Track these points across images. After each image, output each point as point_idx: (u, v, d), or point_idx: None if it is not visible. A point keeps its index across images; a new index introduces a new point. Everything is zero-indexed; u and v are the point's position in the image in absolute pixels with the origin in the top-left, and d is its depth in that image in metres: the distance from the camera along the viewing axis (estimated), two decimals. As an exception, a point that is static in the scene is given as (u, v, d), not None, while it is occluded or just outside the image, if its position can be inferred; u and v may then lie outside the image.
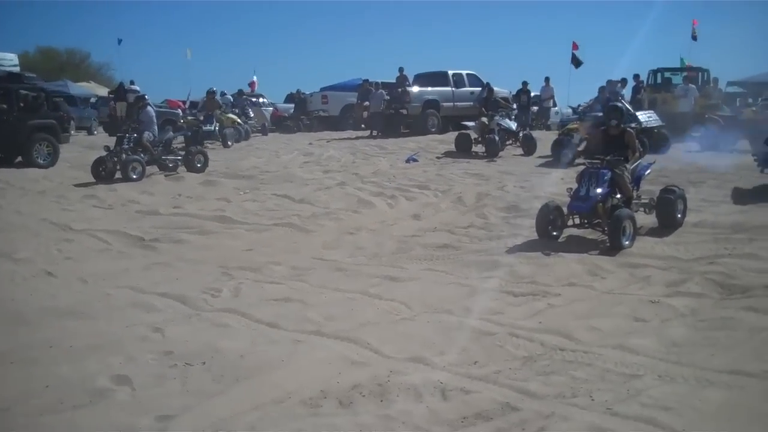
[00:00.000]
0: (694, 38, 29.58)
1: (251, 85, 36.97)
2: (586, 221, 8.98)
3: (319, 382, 4.76)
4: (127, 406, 4.46)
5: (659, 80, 24.32)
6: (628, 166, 9.00)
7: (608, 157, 8.85)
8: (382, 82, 26.27)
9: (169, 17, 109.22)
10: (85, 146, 21.81)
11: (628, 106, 17.91)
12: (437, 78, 25.78)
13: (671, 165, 14.09)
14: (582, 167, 9.35)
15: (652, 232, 9.22)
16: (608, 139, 9.19)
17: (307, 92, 30.90)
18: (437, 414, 4.30)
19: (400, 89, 24.64)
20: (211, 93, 24.49)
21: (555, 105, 29.31)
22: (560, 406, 4.38)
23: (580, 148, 9.53)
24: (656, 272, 7.49)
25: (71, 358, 5.26)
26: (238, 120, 24.94)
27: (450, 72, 25.88)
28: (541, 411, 4.30)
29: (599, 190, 8.66)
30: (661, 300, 6.55)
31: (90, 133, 29.92)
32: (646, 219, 9.57)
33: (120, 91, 28.98)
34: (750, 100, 21.51)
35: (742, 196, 11.43)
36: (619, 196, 8.91)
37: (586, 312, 6.31)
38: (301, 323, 6.08)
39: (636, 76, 24.84)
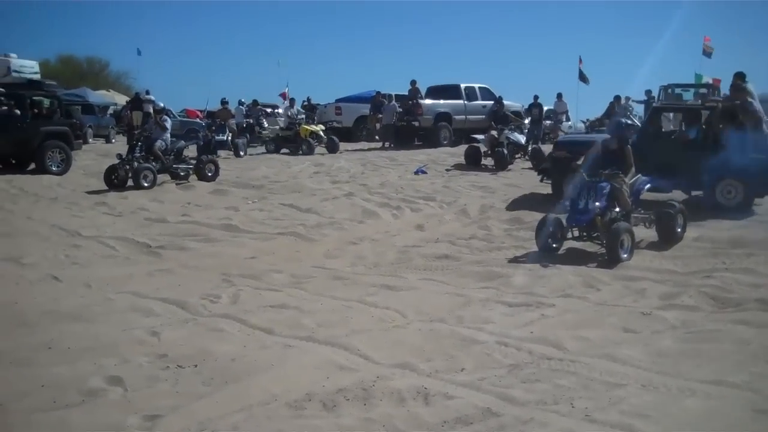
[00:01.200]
0: (708, 55, 29.55)
1: (283, 95, 37.29)
2: (584, 234, 9.08)
3: (305, 385, 4.86)
4: (118, 405, 4.57)
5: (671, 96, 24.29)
6: (626, 179, 9.08)
7: (606, 171, 8.94)
8: (395, 95, 26.45)
9: (188, 26, 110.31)
10: (101, 154, 22.11)
11: (636, 121, 18.02)
12: (449, 91, 25.90)
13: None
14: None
15: (652, 246, 9.29)
16: (607, 153, 9.29)
17: (322, 103, 31.13)
18: (418, 418, 4.39)
19: (412, 101, 24.79)
20: (224, 103, 24.74)
21: (569, 119, 29.39)
22: (540, 412, 4.46)
23: (579, 161, 9.62)
24: (651, 285, 7.56)
25: (67, 360, 5.38)
26: (319, 131, 24.05)
27: (462, 85, 26.00)
28: (521, 416, 4.38)
29: (598, 204, 8.74)
30: (653, 312, 6.62)
31: (108, 141, 30.17)
32: (646, 233, 9.63)
33: (136, 101, 29.33)
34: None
35: (744, 211, 11.45)
36: (618, 209, 8.99)
37: (577, 322, 6.39)
38: (295, 329, 6.18)
39: (648, 92, 24.93)
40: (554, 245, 9.14)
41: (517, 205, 12.90)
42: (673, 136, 13.37)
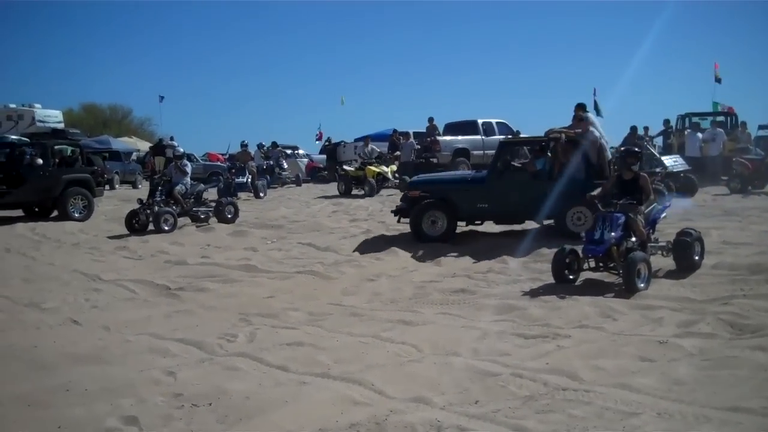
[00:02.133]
0: (718, 81, 29.57)
1: (319, 136, 38.05)
2: (601, 264, 9.05)
3: (319, 421, 4.88)
4: (133, 445, 4.62)
5: (688, 124, 24.33)
6: (642, 208, 9.07)
7: (621, 201, 8.95)
8: (413, 132, 26.62)
9: (209, 72, 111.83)
10: (122, 199, 22.37)
11: (653, 150, 18.02)
12: (467, 127, 26.04)
13: (696, 209, 14.07)
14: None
15: (670, 275, 9.25)
16: (623, 183, 9.31)
17: (340, 140, 31.36)
18: (430, 451, 4.39)
19: (430, 138, 24.92)
20: (243, 146, 25.04)
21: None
22: (553, 442, 4.45)
23: (595, 192, 9.63)
24: (669, 313, 7.53)
25: (85, 401, 5.43)
26: (387, 172, 23.25)
27: (480, 121, 26.14)
28: (534, 447, 4.37)
29: (613, 234, 8.74)
30: (669, 340, 6.58)
31: (134, 187, 30.51)
32: (664, 262, 9.59)
33: (158, 147, 29.77)
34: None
35: (764, 238, 11.37)
36: (634, 239, 8.96)
37: (593, 353, 6.36)
38: (310, 366, 6.21)
39: (666, 122, 24.94)
40: (571, 276, 9.12)
41: (534, 238, 12.85)
42: (520, 167, 13.44)
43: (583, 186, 11.79)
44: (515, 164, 13.56)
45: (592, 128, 13.02)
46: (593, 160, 12.71)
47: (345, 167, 23.79)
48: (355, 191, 22.75)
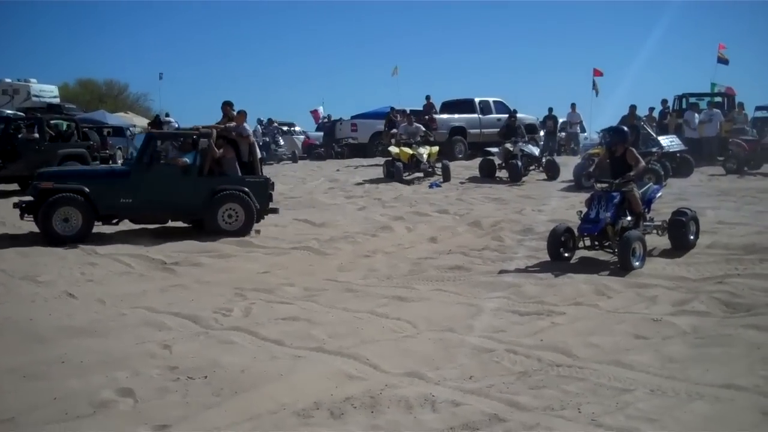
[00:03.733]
0: (725, 62, 29.42)
1: (314, 113, 37.48)
2: (596, 243, 9.09)
3: (313, 394, 4.89)
4: (128, 416, 4.63)
5: (685, 105, 24.30)
6: (632, 174, 9.06)
7: (617, 181, 8.95)
8: (410, 110, 26.54)
9: (205, 46, 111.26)
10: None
11: (650, 130, 18.02)
12: (464, 105, 26.06)
13: (692, 189, 14.11)
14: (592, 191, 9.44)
15: (665, 254, 9.29)
16: (614, 160, 9.32)
17: (335, 117, 31.28)
18: (424, 424, 4.42)
19: (426, 116, 24.88)
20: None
21: (584, 131, 29.32)
22: (546, 417, 4.47)
23: (590, 170, 9.63)
24: (663, 292, 7.56)
25: (80, 373, 5.44)
26: (423, 154, 19.91)
27: (477, 99, 26.14)
28: (527, 422, 4.39)
29: (608, 213, 8.76)
30: (663, 318, 6.62)
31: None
32: (659, 241, 9.62)
33: (156, 123, 29.67)
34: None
35: (759, 218, 11.41)
36: (629, 218, 8.98)
37: (587, 330, 6.40)
38: (305, 340, 6.23)
39: (663, 102, 24.91)
40: (566, 255, 9.15)
41: (530, 216, 12.89)
42: (168, 162, 12.45)
43: (235, 183, 11.86)
44: (164, 158, 12.60)
45: (245, 124, 12.86)
46: (245, 157, 12.50)
47: (390, 148, 20.75)
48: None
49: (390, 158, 20.23)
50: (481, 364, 5.57)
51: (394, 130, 25.03)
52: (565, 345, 5.91)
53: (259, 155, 13.05)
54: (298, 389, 5.02)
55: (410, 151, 19.73)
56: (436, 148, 20.56)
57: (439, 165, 20.01)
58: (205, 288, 8.51)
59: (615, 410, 4.54)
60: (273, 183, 12.74)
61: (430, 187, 17.76)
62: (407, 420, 4.48)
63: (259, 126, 28.85)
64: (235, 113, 12.91)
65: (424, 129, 20.99)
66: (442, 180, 19.23)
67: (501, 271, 8.88)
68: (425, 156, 19.79)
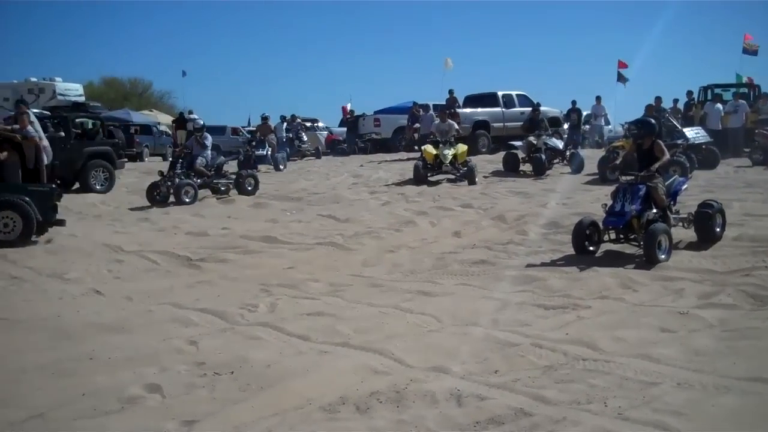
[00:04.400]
0: (754, 53, 29.05)
1: (343, 109, 37.46)
2: (621, 236, 9.02)
3: (339, 389, 4.91)
4: (156, 412, 4.68)
5: (710, 96, 24.05)
6: (660, 181, 8.97)
7: (642, 173, 8.88)
8: (432, 104, 26.51)
9: (229, 45, 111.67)
10: (144, 171, 22.44)
11: (675, 122, 17.86)
12: (487, 99, 26.01)
13: (718, 180, 13.97)
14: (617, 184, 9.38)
15: (691, 246, 9.20)
16: (641, 152, 9.25)
17: (362, 113, 31.26)
18: (450, 419, 4.42)
19: (450, 111, 24.83)
20: (264, 118, 25.04)
21: (608, 123, 29.13)
22: (573, 411, 4.45)
23: (616, 162, 9.55)
24: (690, 285, 7.50)
25: (108, 369, 5.51)
26: (448, 156, 17.99)
27: (500, 93, 26.07)
28: (553, 416, 4.37)
29: (633, 206, 8.70)
30: (690, 311, 6.56)
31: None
32: (685, 233, 9.54)
33: (180, 120, 29.92)
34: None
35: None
36: (655, 211, 8.91)
37: (613, 323, 6.35)
38: (331, 335, 6.25)
39: (689, 93, 24.71)
40: (591, 248, 9.09)
41: (554, 209, 12.83)
42: None
43: (14, 191, 10.99)
44: None
45: (30, 127, 12.17)
46: (30, 163, 11.79)
47: (424, 147, 18.98)
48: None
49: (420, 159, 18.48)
50: (507, 359, 5.55)
51: (417, 125, 25.08)
52: (591, 339, 5.88)
53: (46, 161, 12.15)
54: (324, 384, 5.04)
55: (434, 151, 18.19)
56: (464, 148, 18.69)
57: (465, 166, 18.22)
58: (230, 284, 8.57)
59: (642, 404, 4.51)
60: (60, 193, 11.78)
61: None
62: (433, 414, 4.48)
63: (282, 122, 28.89)
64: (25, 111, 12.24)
65: (457, 126, 19.60)
66: (467, 183, 17.53)
67: (526, 265, 8.84)
68: (449, 156, 17.99)
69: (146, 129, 33.88)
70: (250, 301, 7.57)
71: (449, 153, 18.05)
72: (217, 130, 30.22)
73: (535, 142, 18.95)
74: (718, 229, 9.35)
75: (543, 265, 8.84)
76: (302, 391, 4.92)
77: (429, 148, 18.41)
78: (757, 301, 6.85)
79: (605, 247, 9.25)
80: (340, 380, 5.12)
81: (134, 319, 6.99)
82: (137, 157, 29.38)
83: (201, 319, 6.93)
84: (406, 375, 5.20)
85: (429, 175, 18.07)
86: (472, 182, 17.43)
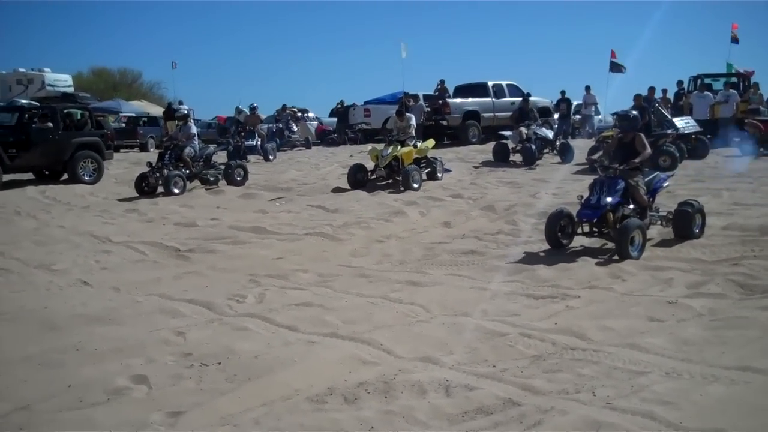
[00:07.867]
0: (736, 41, 29.09)
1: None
2: (595, 230, 8.88)
3: (327, 380, 4.89)
4: (142, 403, 4.64)
5: (699, 86, 24.06)
6: (635, 160, 8.89)
7: (620, 167, 8.83)
8: (422, 94, 26.46)
9: (219, 35, 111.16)
10: (132, 162, 22.36)
11: (665, 112, 17.88)
12: (477, 89, 25.92)
13: (707, 170, 13.99)
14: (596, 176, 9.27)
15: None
16: (623, 145, 9.18)
17: (352, 103, 31.17)
18: (438, 409, 4.40)
19: (440, 100, 24.81)
20: (252, 109, 24.93)
21: (599, 113, 29.10)
22: (561, 401, 4.45)
23: (595, 156, 9.47)
24: (678, 274, 7.51)
25: (94, 361, 5.47)
26: (424, 151, 16.17)
27: (490, 83, 26.00)
28: (541, 406, 4.37)
29: (609, 199, 8.60)
30: (679, 301, 6.57)
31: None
32: (662, 232, 9.50)
33: (169, 111, 29.81)
34: None
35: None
36: (632, 206, 8.83)
37: (602, 313, 6.36)
38: (319, 326, 6.22)
39: (679, 83, 24.72)
40: (564, 241, 8.99)
41: (544, 199, 12.82)
42: None
43: None
44: None
45: None
46: None
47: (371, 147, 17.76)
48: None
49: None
50: (495, 349, 5.54)
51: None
52: (580, 328, 5.88)
53: None
54: (312, 375, 5.02)
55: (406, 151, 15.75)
56: (408, 149, 15.86)
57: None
58: (219, 275, 8.52)
59: (630, 393, 4.51)
60: None
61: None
62: (421, 405, 4.46)
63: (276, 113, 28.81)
64: None
65: (414, 123, 17.03)
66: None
67: (515, 255, 8.83)
68: (388, 158, 15.56)
69: (153, 120, 33.87)
70: (238, 292, 7.53)
71: (388, 154, 15.64)
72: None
73: (525, 132, 18.93)
74: (696, 230, 9.16)
75: (532, 255, 8.82)
76: (290, 382, 4.90)
77: (373, 149, 16.66)
78: (745, 290, 6.86)
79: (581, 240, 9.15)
80: (327, 371, 5.09)
81: (121, 310, 6.95)
82: (141, 148, 29.59)
83: (189, 310, 6.89)
84: (394, 365, 5.18)
85: (365, 178, 15.79)
86: (407, 186, 14.90)
